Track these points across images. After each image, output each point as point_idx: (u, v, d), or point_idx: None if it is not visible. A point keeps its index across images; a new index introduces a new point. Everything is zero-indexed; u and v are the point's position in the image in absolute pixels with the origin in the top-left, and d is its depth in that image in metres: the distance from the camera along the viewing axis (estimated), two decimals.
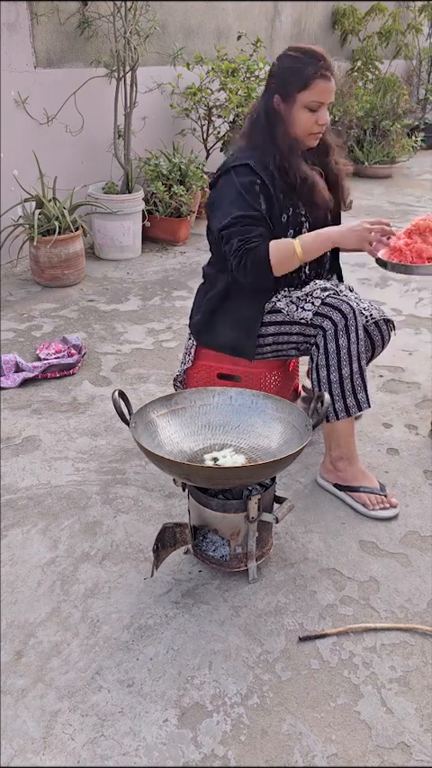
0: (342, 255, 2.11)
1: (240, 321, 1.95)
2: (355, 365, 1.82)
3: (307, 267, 1.97)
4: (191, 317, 2.10)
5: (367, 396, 1.86)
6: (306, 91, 1.75)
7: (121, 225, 3.98)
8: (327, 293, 1.85)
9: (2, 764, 1.24)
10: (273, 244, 1.78)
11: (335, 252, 2.05)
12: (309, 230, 1.92)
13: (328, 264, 2.05)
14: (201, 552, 1.67)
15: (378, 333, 1.95)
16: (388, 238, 1.83)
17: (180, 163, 4.25)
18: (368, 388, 1.87)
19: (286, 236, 1.89)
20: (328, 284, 1.91)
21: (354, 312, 1.80)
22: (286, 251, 1.78)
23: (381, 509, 1.88)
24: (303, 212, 1.91)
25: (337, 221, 2.05)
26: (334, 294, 1.85)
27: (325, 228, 1.81)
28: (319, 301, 1.84)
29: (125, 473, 2.07)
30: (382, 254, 1.81)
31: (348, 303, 1.81)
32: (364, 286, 3.67)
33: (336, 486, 1.96)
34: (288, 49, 1.82)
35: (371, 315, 1.93)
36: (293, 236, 1.90)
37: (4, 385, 2.55)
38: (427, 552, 1.77)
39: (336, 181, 1.99)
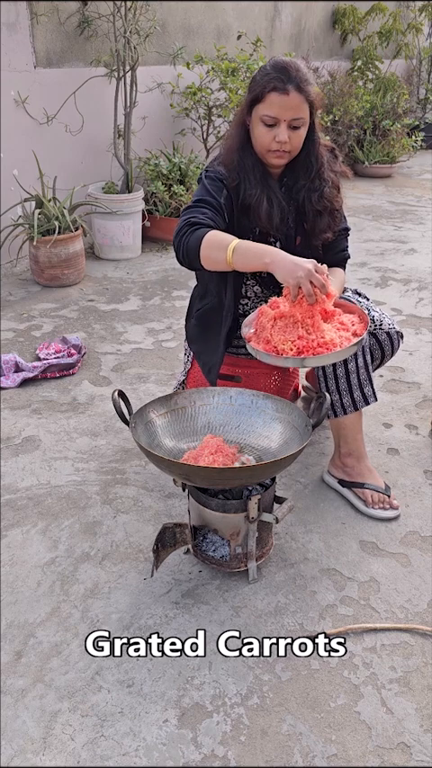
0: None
1: (213, 340, 1.90)
2: (360, 359, 1.83)
3: None
4: (186, 320, 2.10)
5: (373, 389, 1.87)
6: (260, 104, 1.66)
7: (120, 225, 3.98)
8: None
9: (2, 764, 1.24)
10: (212, 232, 1.62)
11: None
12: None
13: None
14: (201, 552, 1.67)
15: (389, 342, 1.93)
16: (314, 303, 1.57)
17: (180, 162, 4.26)
18: (373, 382, 1.87)
19: None
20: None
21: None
22: (219, 244, 1.59)
23: (380, 509, 1.88)
24: (273, 233, 1.85)
25: (306, 252, 1.86)
26: (347, 297, 1.85)
27: (270, 247, 1.58)
28: None
29: (125, 473, 2.07)
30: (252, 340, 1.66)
31: (357, 304, 1.80)
32: (364, 286, 3.67)
33: (341, 482, 1.96)
34: (270, 60, 1.73)
35: (381, 323, 1.92)
36: None
37: (4, 385, 2.55)
38: (427, 552, 1.77)
39: (310, 213, 1.84)
